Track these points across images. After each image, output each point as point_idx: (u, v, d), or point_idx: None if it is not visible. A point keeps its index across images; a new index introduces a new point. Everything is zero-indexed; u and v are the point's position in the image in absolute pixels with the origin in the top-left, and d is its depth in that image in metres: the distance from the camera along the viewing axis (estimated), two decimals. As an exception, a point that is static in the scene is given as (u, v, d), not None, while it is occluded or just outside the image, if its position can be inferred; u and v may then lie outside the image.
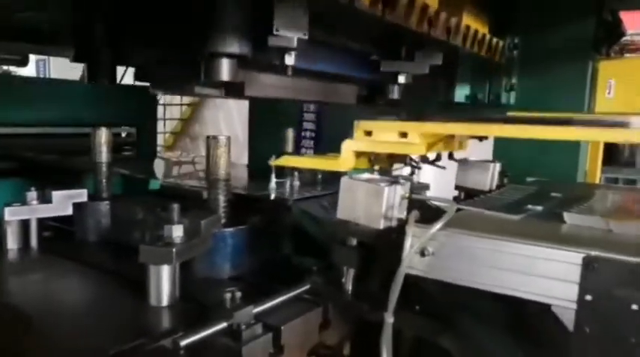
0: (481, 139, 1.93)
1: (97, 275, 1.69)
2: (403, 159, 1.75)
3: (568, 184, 2.09)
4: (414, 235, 1.19)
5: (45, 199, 1.93)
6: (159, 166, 2.71)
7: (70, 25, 1.76)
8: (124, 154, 3.33)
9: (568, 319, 1.02)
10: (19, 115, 2.69)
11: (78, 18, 1.73)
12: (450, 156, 1.95)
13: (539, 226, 1.31)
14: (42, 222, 1.95)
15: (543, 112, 1.94)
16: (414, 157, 1.78)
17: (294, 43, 1.39)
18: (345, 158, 1.53)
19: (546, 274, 1.05)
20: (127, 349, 1.15)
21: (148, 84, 1.77)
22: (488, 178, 1.90)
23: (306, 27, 1.40)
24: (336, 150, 1.55)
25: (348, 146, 1.53)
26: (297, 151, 2.90)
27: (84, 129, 2.30)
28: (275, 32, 1.36)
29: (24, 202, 1.89)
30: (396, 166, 1.76)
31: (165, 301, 1.42)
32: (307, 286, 1.49)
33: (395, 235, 1.25)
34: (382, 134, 1.51)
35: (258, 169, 2.93)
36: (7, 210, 1.84)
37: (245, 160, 3.51)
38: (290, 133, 2.37)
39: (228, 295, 1.27)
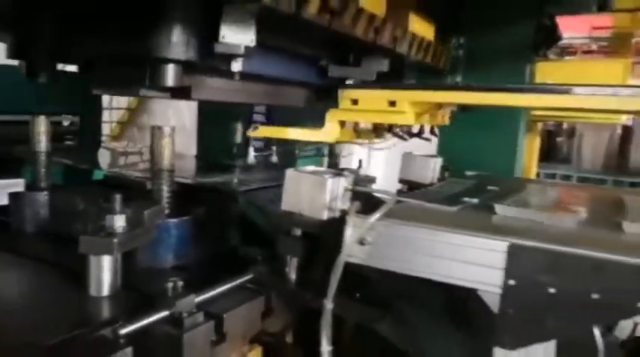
0: (464, 109, 1.94)
1: (35, 266, 1.64)
2: (388, 130, 1.69)
3: (505, 178, 2.20)
4: (355, 225, 1.24)
5: (-22, 188, 1.85)
6: (104, 156, 2.65)
7: (11, 15, 1.67)
8: (67, 143, 3.23)
9: (493, 302, 1.09)
10: (-47, 101, 2.56)
11: (18, 8, 1.65)
12: (432, 130, 1.97)
13: (472, 216, 1.39)
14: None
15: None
16: (397, 130, 1.73)
17: (241, 50, 1.37)
18: (330, 128, 1.45)
19: (475, 261, 1.12)
20: (65, 339, 1.14)
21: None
22: (430, 171, 1.98)
23: (253, 34, 1.38)
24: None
25: (333, 116, 1.44)
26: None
27: (23, 116, 2.21)
28: (222, 39, 1.34)
29: (-45, 191, 1.81)
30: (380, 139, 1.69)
31: (105, 291, 1.39)
32: (250, 276, 1.51)
33: (336, 225, 1.29)
34: (369, 103, 1.43)
35: (207, 160, 2.92)
36: (-64, 199, 1.76)
37: (194, 150, 3.48)
38: (239, 125, 2.37)
39: (170, 285, 1.27)
